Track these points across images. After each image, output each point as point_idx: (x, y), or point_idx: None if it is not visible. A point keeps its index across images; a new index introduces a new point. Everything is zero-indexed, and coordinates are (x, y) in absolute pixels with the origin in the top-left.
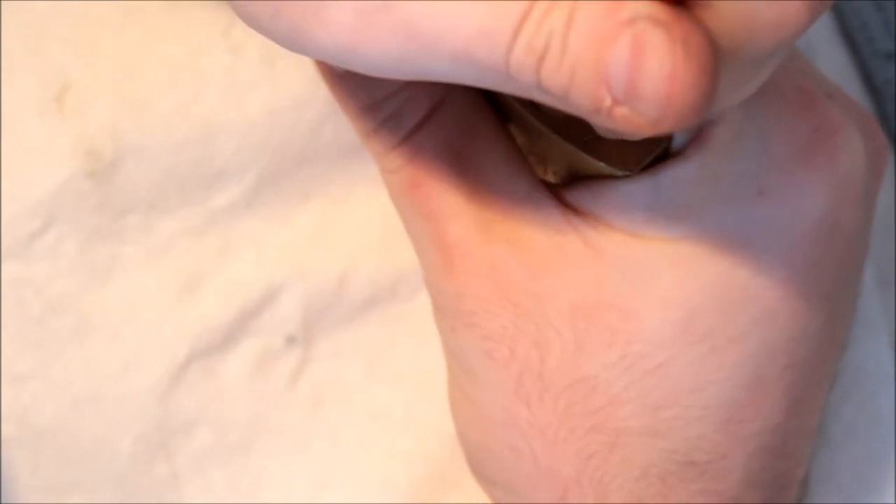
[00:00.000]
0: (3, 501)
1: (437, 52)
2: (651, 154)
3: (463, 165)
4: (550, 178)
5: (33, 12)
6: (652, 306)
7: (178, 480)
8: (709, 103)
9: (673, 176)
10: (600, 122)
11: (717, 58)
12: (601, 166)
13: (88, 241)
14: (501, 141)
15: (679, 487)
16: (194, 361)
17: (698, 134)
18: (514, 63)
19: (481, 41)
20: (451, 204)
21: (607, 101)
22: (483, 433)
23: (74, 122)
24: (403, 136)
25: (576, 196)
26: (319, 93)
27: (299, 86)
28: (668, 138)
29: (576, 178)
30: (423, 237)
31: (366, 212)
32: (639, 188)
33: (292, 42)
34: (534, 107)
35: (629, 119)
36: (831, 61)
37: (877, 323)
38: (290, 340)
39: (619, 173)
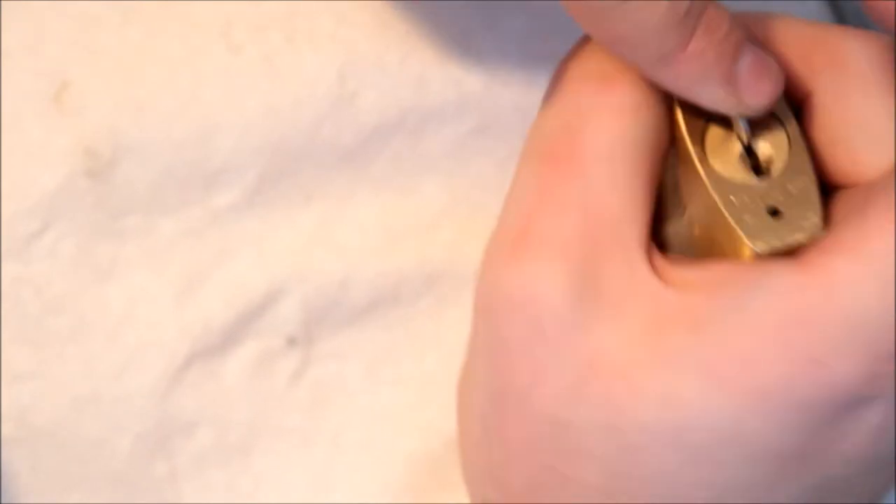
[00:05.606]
0: (3, 501)
1: None
2: (787, 242)
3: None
4: (682, 219)
5: (33, 11)
6: (656, 403)
7: (177, 480)
8: None
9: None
10: None
11: None
12: (735, 230)
13: (88, 241)
14: (645, 194)
15: None
16: (194, 362)
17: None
18: None
19: None
20: (555, 202)
21: None
22: (462, 406)
23: (73, 121)
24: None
25: (678, 267)
26: (319, 92)
27: (299, 85)
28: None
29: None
30: (515, 205)
31: (368, 213)
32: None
33: None
34: (701, 148)
35: None
36: None
37: None
38: (291, 341)
39: (749, 245)
